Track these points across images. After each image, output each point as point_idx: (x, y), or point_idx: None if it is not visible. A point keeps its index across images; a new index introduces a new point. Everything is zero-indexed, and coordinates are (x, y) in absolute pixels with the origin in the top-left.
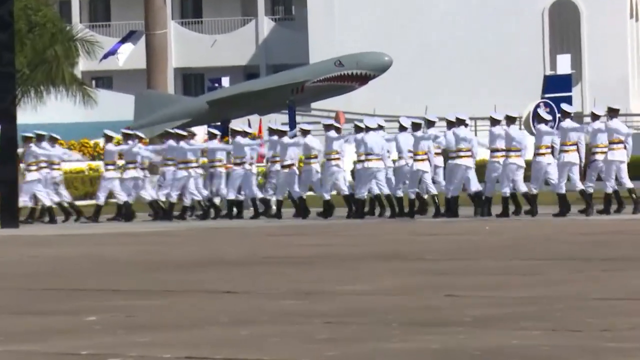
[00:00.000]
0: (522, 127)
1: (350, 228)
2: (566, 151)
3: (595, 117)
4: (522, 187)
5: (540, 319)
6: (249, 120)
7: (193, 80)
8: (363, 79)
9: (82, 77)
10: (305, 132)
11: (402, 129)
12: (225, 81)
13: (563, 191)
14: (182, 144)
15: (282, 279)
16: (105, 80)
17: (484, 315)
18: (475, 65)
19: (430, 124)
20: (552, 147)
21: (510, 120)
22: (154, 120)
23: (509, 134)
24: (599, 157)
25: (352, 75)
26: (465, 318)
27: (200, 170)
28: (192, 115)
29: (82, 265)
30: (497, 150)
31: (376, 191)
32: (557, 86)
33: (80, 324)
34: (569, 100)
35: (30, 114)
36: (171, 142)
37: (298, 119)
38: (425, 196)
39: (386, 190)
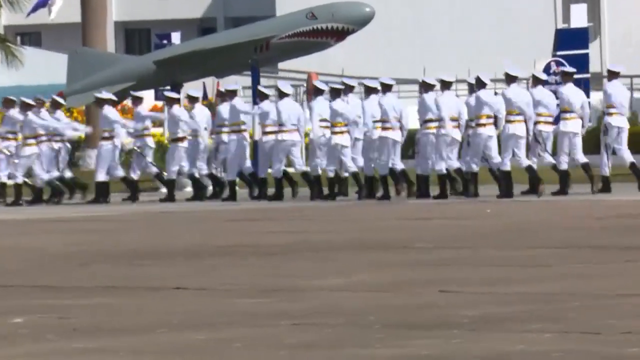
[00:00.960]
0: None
1: (327, 212)
2: (511, 122)
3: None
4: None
5: (551, 319)
6: (203, 83)
7: (137, 37)
8: (340, 34)
9: (4, 33)
10: (263, 97)
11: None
12: (176, 37)
13: (508, 168)
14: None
15: (243, 272)
16: (32, 36)
17: (484, 315)
18: (476, 18)
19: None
20: (496, 117)
21: (445, 85)
22: (90, 83)
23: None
24: (543, 127)
25: (326, 30)
26: (462, 319)
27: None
28: (136, 77)
29: (3, 257)
30: (431, 121)
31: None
32: (571, 42)
33: (3, 327)
34: (584, 59)
35: None
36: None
37: (263, 82)
38: (346, 174)
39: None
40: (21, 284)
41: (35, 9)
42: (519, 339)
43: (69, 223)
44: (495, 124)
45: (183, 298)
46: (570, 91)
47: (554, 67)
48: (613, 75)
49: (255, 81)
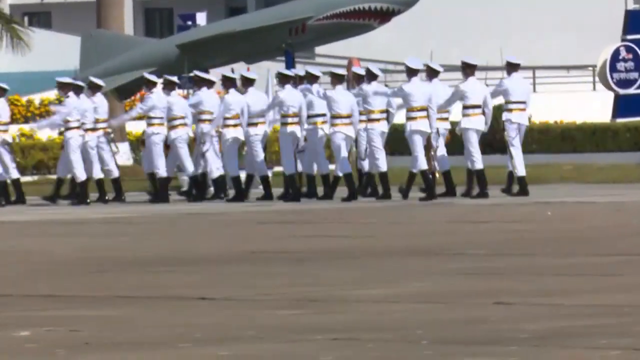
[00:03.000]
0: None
1: (369, 214)
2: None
3: (468, 71)
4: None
5: (620, 334)
6: (232, 69)
7: (158, 17)
8: (384, 15)
9: (10, 13)
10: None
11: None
12: (201, 18)
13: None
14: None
15: (275, 281)
16: (41, 16)
17: (545, 330)
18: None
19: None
20: (388, 112)
21: (372, 77)
22: (106, 69)
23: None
24: (441, 124)
25: (369, 10)
26: (520, 334)
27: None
28: (157, 63)
29: (8, 263)
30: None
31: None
32: None
33: (8, 341)
34: None
35: None
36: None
37: (298, 67)
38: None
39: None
40: (28, 293)
41: None
42: (584, 356)
43: (83, 225)
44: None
45: (207, 309)
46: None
47: (623, 53)
48: (512, 67)
49: (290, 68)
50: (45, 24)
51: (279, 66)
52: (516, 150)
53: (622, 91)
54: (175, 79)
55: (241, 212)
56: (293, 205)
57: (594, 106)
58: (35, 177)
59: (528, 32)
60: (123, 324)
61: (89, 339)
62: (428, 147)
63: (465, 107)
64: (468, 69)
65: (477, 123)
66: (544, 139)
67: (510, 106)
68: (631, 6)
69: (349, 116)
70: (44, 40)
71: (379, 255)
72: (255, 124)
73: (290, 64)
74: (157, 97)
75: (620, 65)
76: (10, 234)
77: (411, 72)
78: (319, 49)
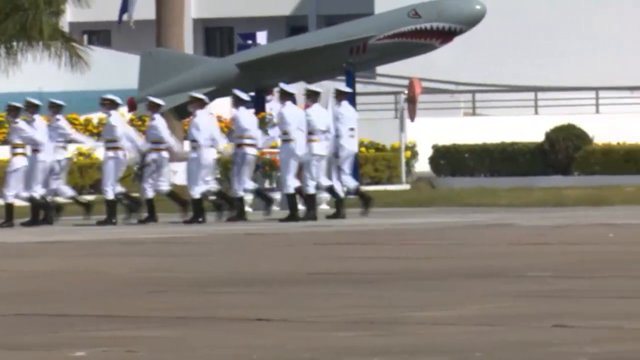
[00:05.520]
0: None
1: (429, 235)
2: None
3: (341, 96)
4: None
5: None
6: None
7: (219, 36)
8: (446, 35)
9: (69, 31)
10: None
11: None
12: (262, 37)
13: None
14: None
15: (334, 302)
16: (101, 35)
17: (607, 353)
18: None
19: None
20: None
21: (287, 96)
22: (165, 88)
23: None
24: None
25: (431, 30)
26: (581, 357)
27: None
28: (218, 82)
29: (66, 283)
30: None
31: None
32: None
33: None
34: None
35: None
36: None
37: (359, 87)
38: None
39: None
40: (84, 313)
41: (123, 10)
42: None
43: (140, 246)
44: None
45: (265, 331)
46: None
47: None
48: (342, 95)
49: (350, 87)
50: (104, 42)
51: (338, 85)
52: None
53: None
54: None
55: (296, 233)
56: (352, 226)
57: None
58: (93, 197)
59: (591, 52)
60: (179, 344)
61: (146, 359)
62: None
63: (310, 132)
64: (285, 96)
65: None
66: (607, 160)
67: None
68: None
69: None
70: (103, 59)
71: (439, 277)
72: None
73: (350, 83)
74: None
75: None
76: (67, 253)
77: (285, 96)
78: (380, 69)
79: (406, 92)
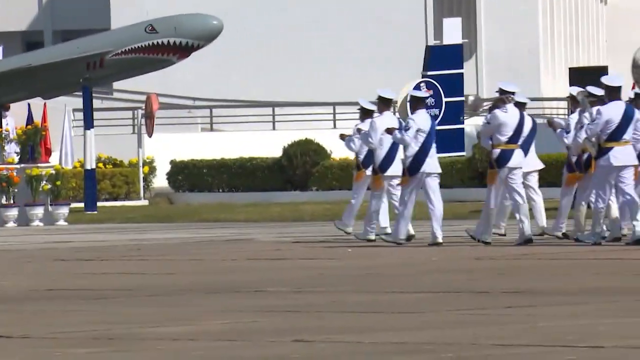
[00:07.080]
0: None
1: (167, 251)
2: None
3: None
4: None
5: None
6: (29, 104)
7: None
8: (184, 50)
9: None
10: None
11: None
12: None
13: None
14: None
15: (74, 318)
16: None
17: None
18: (338, 33)
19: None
20: None
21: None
22: None
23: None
24: None
25: (168, 45)
26: None
27: None
28: None
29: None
30: None
31: None
32: (444, 60)
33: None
34: (459, 79)
35: None
36: None
37: (96, 103)
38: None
39: None
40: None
41: None
42: None
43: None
44: None
45: (7, 347)
46: None
47: (424, 89)
48: None
49: (88, 103)
50: None
51: (75, 102)
52: None
53: None
54: None
55: (36, 249)
56: (92, 242)
57: None
58: None
59: (326, 69)
60: None
61: None
62: None
63: None
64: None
65: None
66: (345, 175)
67: None
68: (432, 42)
69: None
70: None
71: (179, 293)
72: None
73: (87, 99)
74: None
75: (430, 101)
76: None
77: None
78: (117, 84)
79: (144, 107)
